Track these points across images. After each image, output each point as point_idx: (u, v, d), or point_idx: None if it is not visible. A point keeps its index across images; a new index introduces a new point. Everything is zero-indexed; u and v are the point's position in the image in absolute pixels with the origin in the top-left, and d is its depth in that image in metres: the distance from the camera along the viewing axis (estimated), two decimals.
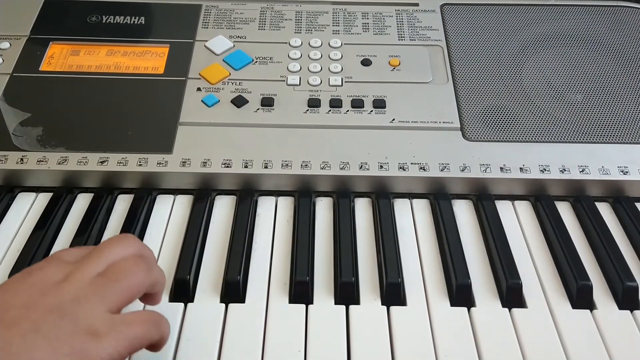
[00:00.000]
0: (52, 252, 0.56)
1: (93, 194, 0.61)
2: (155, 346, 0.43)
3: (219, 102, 0.67)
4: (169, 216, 0.60)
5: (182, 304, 0.51)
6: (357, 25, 0.77)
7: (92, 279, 0.41)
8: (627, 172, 0.62)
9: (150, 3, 0.79)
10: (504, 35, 0.75)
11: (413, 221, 0.60)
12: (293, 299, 0.52)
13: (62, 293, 0.40)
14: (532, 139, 0.65)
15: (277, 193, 0.63)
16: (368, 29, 0.77)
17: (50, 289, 0.40)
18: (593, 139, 0.65)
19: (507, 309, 0.52)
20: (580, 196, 0.62)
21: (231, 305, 0.51)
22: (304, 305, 0.52)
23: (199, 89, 0.68)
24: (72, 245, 0.56)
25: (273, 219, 0.60)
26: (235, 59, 0.72)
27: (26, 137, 0.63)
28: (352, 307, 0.51)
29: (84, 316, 0.39)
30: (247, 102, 0.67)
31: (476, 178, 0.61)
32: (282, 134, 0.64)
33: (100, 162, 0.61)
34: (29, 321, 0.37)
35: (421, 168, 0.62)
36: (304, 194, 0.62)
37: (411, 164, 0.62)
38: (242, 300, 0.52)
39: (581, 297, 0.53)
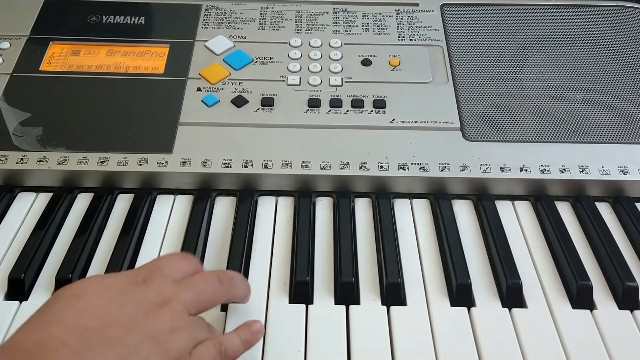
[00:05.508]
0: (54, 244, 0.56)
1: (93, 194, 0.61)
2: None
3: (219, 102, 0.67)
4: (169, 216, 0.60)
5: None
6: (357, 25, 0.77)
7: (188, 311, 0.43)
8: (627, 172, 0.62)
9: (150, 3, 0.79)
10: (504, 35, 0.75)
11: (413, 221, 0.60)
12: (293, 299, 0.52)
13: (161, 320, 0.41)
14: (532, 139, 0.65)
15: (277, 193, 0.63)
16: (368, 29, 0.77)
17: (152, 312, 0.41)
18: (593, 139, 0.65)
19: (507, 309, 0.52)
20: (580, 196, 0.62)
21: (231, 306, 0.51)
22: (304, 305, 0.52)
23: (199, 89, 0.68)
24: (72, 245, 0.56)
25: (273, 219, 0.60)
26: (235, 59, 0.72)
27: (26, 137, 0.63)
28: (352, 307, 0.52)
29: (175, 348, 0.40)
30: (247, 102, 0.67)
31: (476, 178, 0.61)
32: (282, 134, 0.64)
33: (100, 162, 0.61)
34: (124, 345, 0.38)
35: (421, 168, 0.62)
36: (304, 194, 0.62)
37: (411, 164, 0.62)
38: None
39: (581, 297, 0.53)
